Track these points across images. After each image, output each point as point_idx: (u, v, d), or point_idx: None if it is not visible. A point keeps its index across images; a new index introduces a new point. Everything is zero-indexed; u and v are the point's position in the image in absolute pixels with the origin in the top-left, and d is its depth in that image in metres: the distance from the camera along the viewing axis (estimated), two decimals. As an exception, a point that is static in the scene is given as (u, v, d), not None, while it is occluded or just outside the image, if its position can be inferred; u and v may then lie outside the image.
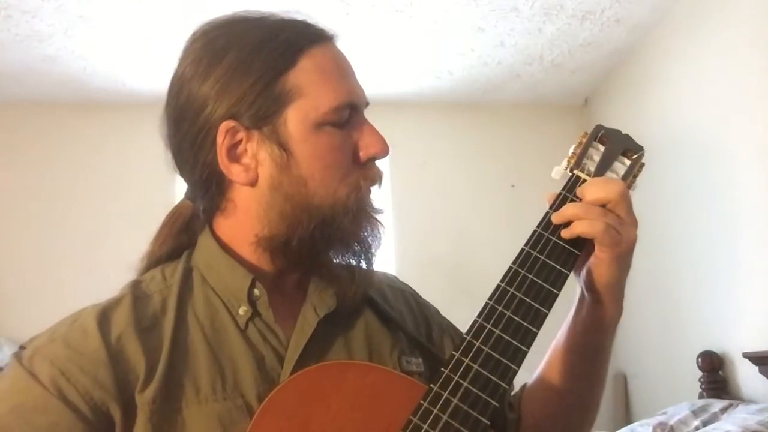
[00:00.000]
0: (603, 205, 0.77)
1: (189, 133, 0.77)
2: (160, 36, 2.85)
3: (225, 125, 0.75)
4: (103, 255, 3.03)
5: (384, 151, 0.80)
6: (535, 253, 0.77)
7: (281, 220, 0.77)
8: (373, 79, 3.34)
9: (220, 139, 0.75)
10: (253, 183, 0.77)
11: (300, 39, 0.77)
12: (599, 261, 0.77)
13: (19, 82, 3.24)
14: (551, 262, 0.76)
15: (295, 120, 0.75)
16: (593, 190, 0.78)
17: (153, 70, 3.13)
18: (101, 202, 3.39)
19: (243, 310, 0.77)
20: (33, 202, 3.37)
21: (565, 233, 0.77)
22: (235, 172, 0.76)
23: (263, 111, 0.75)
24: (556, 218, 0.78)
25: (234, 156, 0.76)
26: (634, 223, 0.78)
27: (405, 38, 3.05)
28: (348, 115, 0.78)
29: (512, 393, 0.94)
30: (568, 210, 0.77)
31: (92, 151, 3.46)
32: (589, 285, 0.79)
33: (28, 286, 3.25)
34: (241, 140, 0.76)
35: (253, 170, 0.76)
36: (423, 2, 2.76)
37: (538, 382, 0.90)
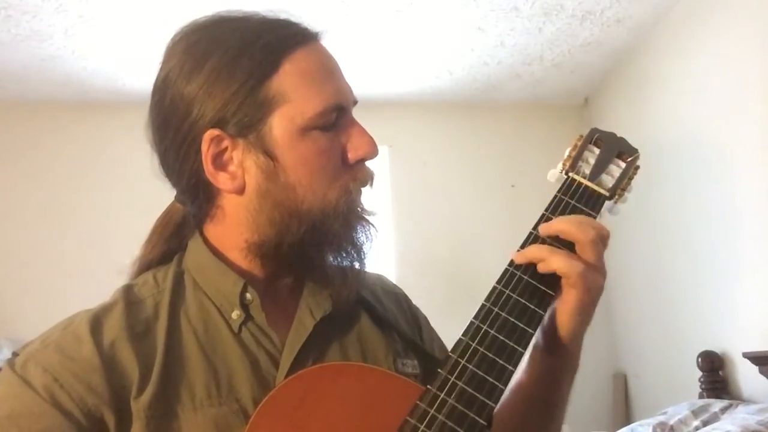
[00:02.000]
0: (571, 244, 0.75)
1: (174, 140, 0.76)
2: (160, 36, 2.84)
3: (209, 134, 0.74)
4: (102, 255, 3.02)
5: (373, 152, 0.79)
6: (518, 274, 0.75)
7: (270, 226, 0.76)
8: (374, 79, 3.34)
9: (204, 147, 0.74)
10: (240, 191, 0.76)
11: (282, 42, 0.76)
12: (565, 306, 0.74)
13: (19, 82, 3.24)
14: (536, 282, 0.75)
15: (280, 127, 0.74)
16: (566, 223, 0.75)
17: (153, 70, 3.11)
18: (101, 201, 3.39)
19: (236, 314, 0.76)
20: (32, 201, 3.37)
21: (542, 267, 0.74)
22: (221, 180, 0.76)
23: (248, 118, 0.74)
24: (519, 258, 0.75)
25: (220, 164, 0.75)
26: (603, 273, 0.75)
27: (405, 38, 3.04)
28: (335, 117, 0.76)
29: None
30: (532, 252, 0.75)
31: (92, 150, 3.46)
32: (549, 333, 0.76)
33: (28, 286, 3.25)
34: (226, 148, 0.75)
35: (239, 178, 0.75)
36: (423, 2, 2.76)
37: (497, 418, 0.88)
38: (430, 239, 3.56)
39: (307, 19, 0.81)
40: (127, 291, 0.78)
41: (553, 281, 0.75)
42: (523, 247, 0.77)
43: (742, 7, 2.48)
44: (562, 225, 0.75)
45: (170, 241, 0.84)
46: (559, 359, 0.78)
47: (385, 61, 3.23)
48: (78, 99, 3.42)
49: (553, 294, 0.75)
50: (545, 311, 0.74)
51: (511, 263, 0.76)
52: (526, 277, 0.75)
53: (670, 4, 2.86)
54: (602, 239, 0.75)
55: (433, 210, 3.61)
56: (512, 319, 0.73)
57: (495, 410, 0.83)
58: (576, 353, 0.78)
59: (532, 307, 0.74)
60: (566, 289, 0.73)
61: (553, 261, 0.73)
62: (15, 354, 0.73)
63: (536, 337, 0.78)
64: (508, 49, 3.18)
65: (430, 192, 3.63)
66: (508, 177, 3.64)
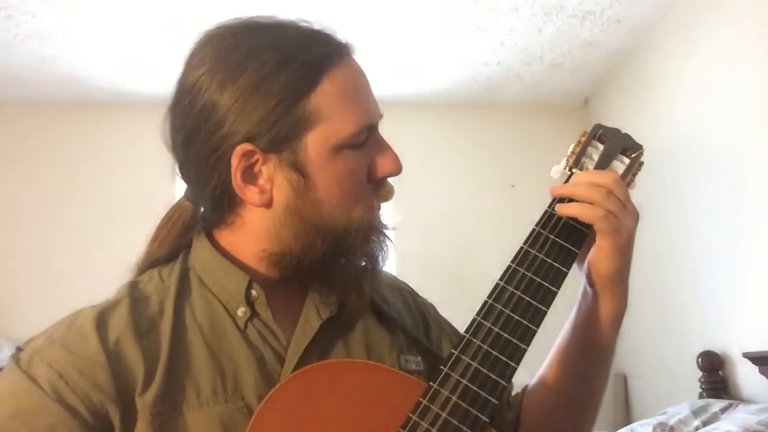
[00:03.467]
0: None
1: (202, 150, 0.75)
2: (160, 36, 2.85)
3: (241, 148, 0.73)
4: (102, 255, 3.03)
5: (399, 169, 0.80)
6: (533, 252, 0.77)
7: (294, 239, 0.76)
8: (374, 79, 3.32)
9: (235, 161, 0.74)
10: (267, 205, 0.76)
11: (321, 59, 0.75)
12: (600, 250, 0.77)
13: (19, 82, 3.24)
14: (550, 260, 0.76)
15: (315, 145, 0.74)
16: (588, 175, 0.80)
17: (153, 70, 3.12)
18: (101, 202, 3.39)
19: (242, 311, 0.77)
20: (32, 201, 3.37)
21: (562, 209, 0.78)
22: (249, 194, 0.75)
23: (282, 135, 0.73)
24: (557, 191, 0.80)
25: (249, 177, 0.75)
26: (635, 214, 0.79)
27: (405, 39, 3.05)
28: (366, 136, 0.77)
29: (513, 393, 0.94)
30: (569, 188, 0.79)
31: (92, 151, 3.46)
32: (591, 278, 0.79)
33: (28, 286, 3.25)
34: (256, 161, 0.74)
35: (268, 192, 0.75)
36: (423, 3, 2.76)
37: (539, 381, 0.90)
38: (430, 239, 3.56)
39: (341, 31, 0.80)
40: (132, 288, 0.78)
41: (578, 238, 0.77)
42: (526, 242, 0.78)
43: (742, 7, 2.48)
44: (591, 178, 0.79)
45: (178, 240, 0.83)
46: (606, 302, 0.80)
47: (385, 61, 3.23)
48: (78, 99, 3.42)
49: (556, 290, 0.75)
50: (548, 307, 0.74)
51: (514, 260, 0.77)
52: (529, 274, 0.75)
53: (670, 4, 2.86)
54: (615, 188, 0.78)
55: (432, 210, 3.61)
56: (516, 317, 0.73)
57: (541, 370, 0.88)
58: (621, 296, 0.81)
59: (536, 303, 0.74)
60: (598, 234, 0.77)
61: (577, 208, 0.77)
62: (19, 349, 0.73)
63: (583, 284, 0.82)
64: (508, 49, 3.18)
65: (430, 192, 3.63)
66: (508, 177, 3.64)
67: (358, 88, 0.78)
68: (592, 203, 0.77)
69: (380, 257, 0.81)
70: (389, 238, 0.82)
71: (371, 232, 0.79)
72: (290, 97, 0.73)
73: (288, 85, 0.73)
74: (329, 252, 0.77)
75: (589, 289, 0.81)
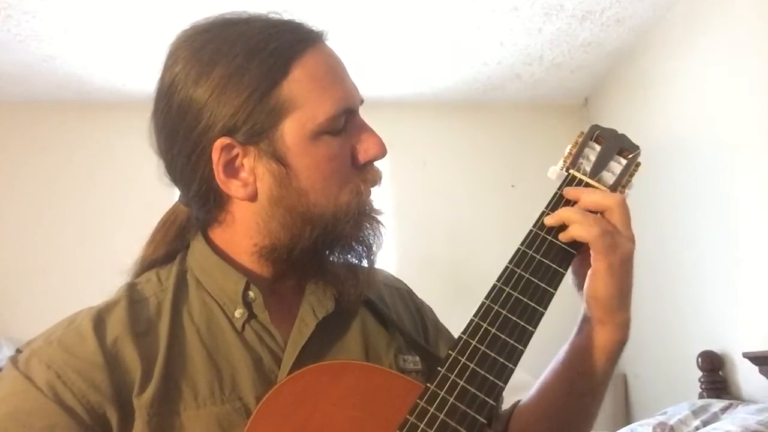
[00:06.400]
0: (599, 212, 0.78)
1: (183, 149, 0.75)
2: (160, 36, 2.85)
3: (220, 142, 0.73)
4: (102, 255, 3.02)
5: (382, 152, 0.79)
6: (531, 253, 0.77)
7: (283, 230, 0.76)
8: (374, 79, 3.34)
9: (215, 156, 0.74)
10: (252, 198, 0.76)
11: (290, 47, 0.75)
12: (595, 271, 0.76)
13: (19, 82, 3.24)
14: (547, 262, 0.76)
15: (291, 133, 0.74)
16: (592, 195, 0.79)
17: (153, 70, 3.11)
18: (101, 202, 3.39)
19: (239, 313, 0.77)
20: (32, 202, 3.37)
21: (563, 236, 0.77)
22: (233, 187, 0.75)
23: (259, 126, 0.73)
24: (550, 220, 0.78)
25: (231, 171, 0.75)
26: (631, 238, 0.77)
27: (405, 38, 3.04)
28: (344, 120, 0.76)
29: (503, 408, 0.93)
30: (562, 213, 0.77)
31: (92, 151, 3.46)
32: (588, 302, 0.78)
33: (28, 286, 3.25)
34: (237, 155, 0.75)
35: (251, 185, 0.75)
36: (423, 2, 2.76)
37: (529, 398, 0.89)
38: (429, 239, 3.56)
39: (311, 19, 0.80)
40: (131, 289, 0.78)
41: (575, 241, 0.77)
42: (523, 243, 0.78)
43: (742, 7, 2.48)
44: (593, 198, 0.79)
45: (174, 243, 0.83)
46: (604, 328, 0.79)
47: (385, 61, 3.23)
48: (78, 99, 3.42)
49: (554, 291, 0.75)
50: (545, 308, 0.74)
51: (511, 261, 0.77)
52: (526, 275, 0.76)
53: (670, 4, 2.86)
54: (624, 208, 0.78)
55: (433, 210, 3.61)
56: (514, 318, 0.73)
57: (529, 396, 0.87)
58: (619, 323, 0.79)
59: (533, 305, 0.74)
60: (593, 252, 0.76)
61: (572, 229, 0.76)
62: (18, 351, 0.73)
63: (583, 310, 0.80)
64: (508, 49, 3.18)
65: (430, 192, 3.63)
66: (508, 177, 3.64)
67: (331, 73, 0.77)
68: (586, 223, 0.76)
69: (374, 244, 0.80)
70: (382, 224, 0.81)
71: (362, 217, 0.78)
72: (262, 86, 0.73)
73: (259, 75, 0.73)
74: (321, 241, 0.76)
75: (588, 314, 0.80)
